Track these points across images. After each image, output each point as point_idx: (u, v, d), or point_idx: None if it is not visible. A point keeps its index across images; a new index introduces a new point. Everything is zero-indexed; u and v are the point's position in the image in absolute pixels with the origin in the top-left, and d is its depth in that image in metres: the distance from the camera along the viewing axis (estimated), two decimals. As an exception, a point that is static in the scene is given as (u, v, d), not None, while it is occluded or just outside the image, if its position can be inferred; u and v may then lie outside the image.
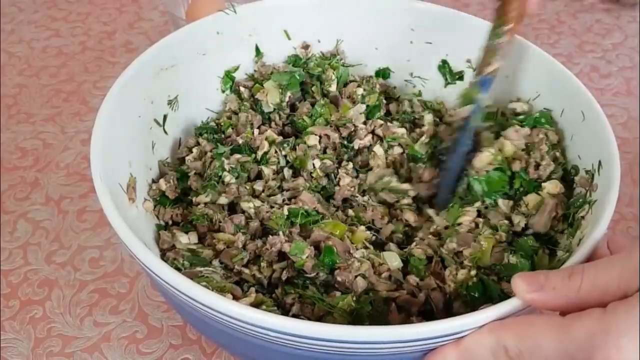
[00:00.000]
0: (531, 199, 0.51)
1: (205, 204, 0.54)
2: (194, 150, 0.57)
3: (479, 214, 0.51)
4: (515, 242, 0.49)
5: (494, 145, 0.52)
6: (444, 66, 0.64)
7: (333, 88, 0.62)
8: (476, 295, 0.46)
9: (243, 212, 0.53)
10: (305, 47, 0.66)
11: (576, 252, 0.41)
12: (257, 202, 0.53)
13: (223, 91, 0.64)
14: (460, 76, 0.64)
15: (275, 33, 0.64)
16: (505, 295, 0.44)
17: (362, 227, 0.51)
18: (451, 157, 0.53)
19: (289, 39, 0.65)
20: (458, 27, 0.61)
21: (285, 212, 0.51)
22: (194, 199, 0.54)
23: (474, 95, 0.52)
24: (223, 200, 0.54)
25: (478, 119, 0.53)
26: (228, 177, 0.55)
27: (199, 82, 0.62)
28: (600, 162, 0.48)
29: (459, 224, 0.50)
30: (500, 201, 0.51)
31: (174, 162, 0.58)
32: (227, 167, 0.55)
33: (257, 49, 0.64)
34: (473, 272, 0.47)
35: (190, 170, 0.56)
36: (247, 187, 0.55)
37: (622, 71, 0.84)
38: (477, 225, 0.50)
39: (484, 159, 0.52)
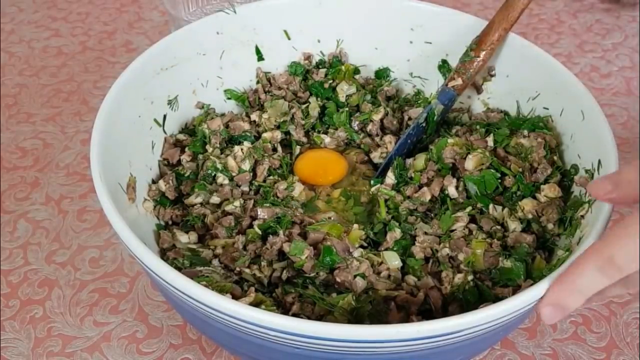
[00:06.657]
0: (527, 203, 0.51)
1: (201, 204, 0.54)
2: (187, 150, 0.57)
3: (472, 219, 0.52)
4: (510, 247, 0.49)
5: (430, 149, 0.56)
6: (444, 66, 0.64)
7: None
8: (471, 299, 0.46)
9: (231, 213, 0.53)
10: (308, 57, 0.66)
11: (576, 251, 0.41)
12: (240, 202, 0.53)
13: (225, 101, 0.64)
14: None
15: (275, 33, 0.64)
16: (499, 300, 0.45)
17: (356, 226, 0.51)
18: (399, 140, 0.60)
19: (289, 38, 0.65)
20: (458, 27, 0.61)
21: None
22: (185, 201, 0.54)
23: (431, 100, 0.60)
24: (215, 199, 0.54)
25: (426, 118, 0.59)
26: (221, 178, 0.55)
27: (199, 82, 0.62)
28: (600, 162, 0.48)
29: (453, 231, 0.51)
30: (491, 207, 0.51)
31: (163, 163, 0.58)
32: (219, 166, 0.55)
33: (257, 49, 0.65)
34: (470, 277, 0.47)
35: (185, 171, 0.56)
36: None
37: (622, 71, 0.84)
38: (470, 232, 0.50)
39: (475, 160, 0.52)
